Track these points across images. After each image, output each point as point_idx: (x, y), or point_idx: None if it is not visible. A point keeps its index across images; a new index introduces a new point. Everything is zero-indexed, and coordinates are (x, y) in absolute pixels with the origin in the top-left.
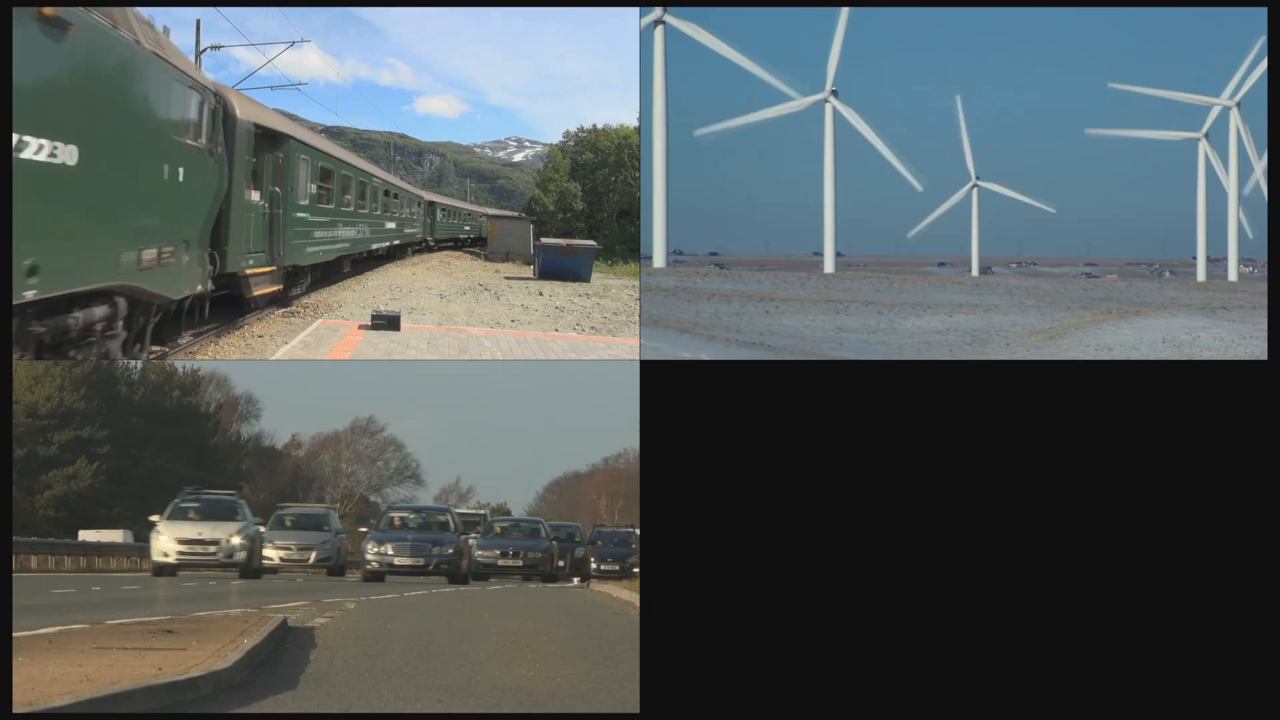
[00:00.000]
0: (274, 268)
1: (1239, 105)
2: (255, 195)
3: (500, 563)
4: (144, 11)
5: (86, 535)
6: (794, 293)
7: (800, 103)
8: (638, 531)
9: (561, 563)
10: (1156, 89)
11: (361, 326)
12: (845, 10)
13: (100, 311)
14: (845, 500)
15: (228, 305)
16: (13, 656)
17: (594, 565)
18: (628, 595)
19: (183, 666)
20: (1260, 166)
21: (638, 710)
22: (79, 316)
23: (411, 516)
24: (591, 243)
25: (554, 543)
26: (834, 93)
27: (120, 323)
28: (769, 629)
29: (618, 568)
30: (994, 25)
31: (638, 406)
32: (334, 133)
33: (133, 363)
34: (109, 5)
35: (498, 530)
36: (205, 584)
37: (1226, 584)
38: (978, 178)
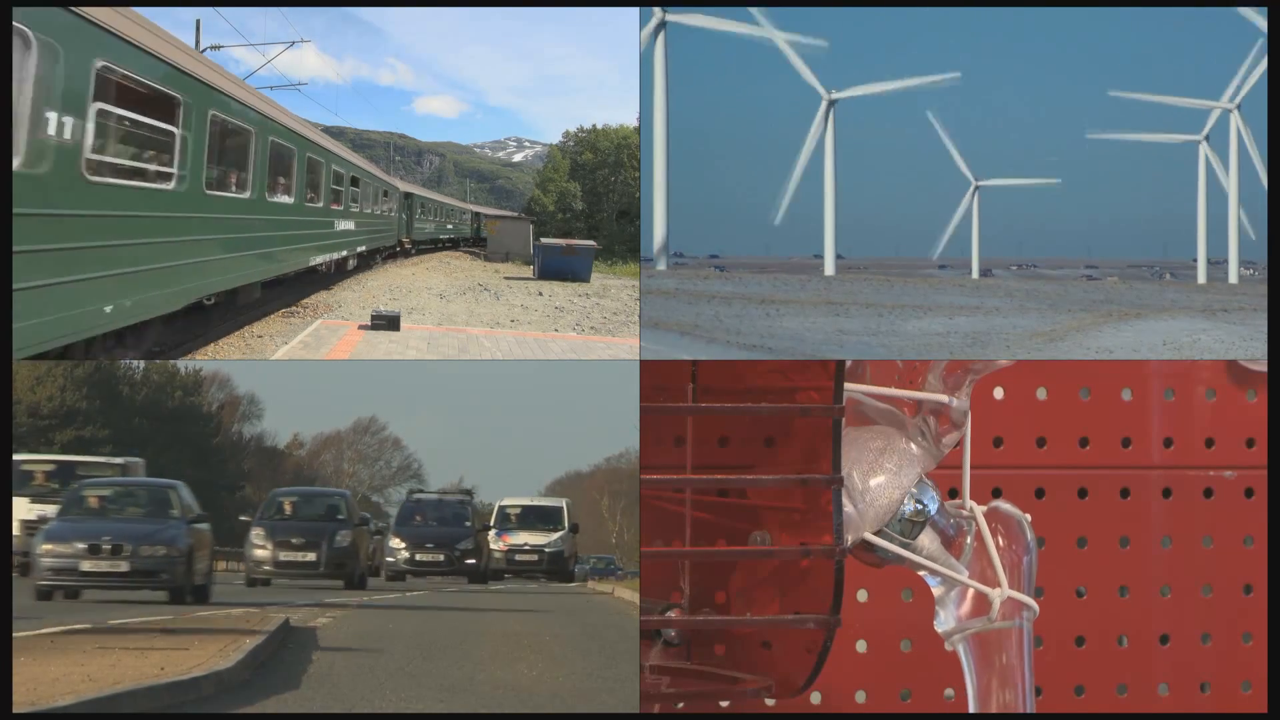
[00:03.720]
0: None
1: (1239, 108)
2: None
3: (84, 566)
4: (144, 12)
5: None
6: (794, 295)
7: (815, 127)
8: (479, 502)
9: (311, 556)
10: (1155, 95)
11: (361, 326)
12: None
13: None
14: None
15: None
16: (14, 656)
17: (403, 555)
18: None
19: (185, 666)
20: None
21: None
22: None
23: None
24: (591, 243)
25: (198, 526)
26: (833, 102)
27: None
28: None
29: (442, 558)
30: (992, 26)
31: (638, 407)
32: (334, 133)
33: (135, 363)
34: (108, 5)
35: (90, 503)
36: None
37: None
38: (976, 179)
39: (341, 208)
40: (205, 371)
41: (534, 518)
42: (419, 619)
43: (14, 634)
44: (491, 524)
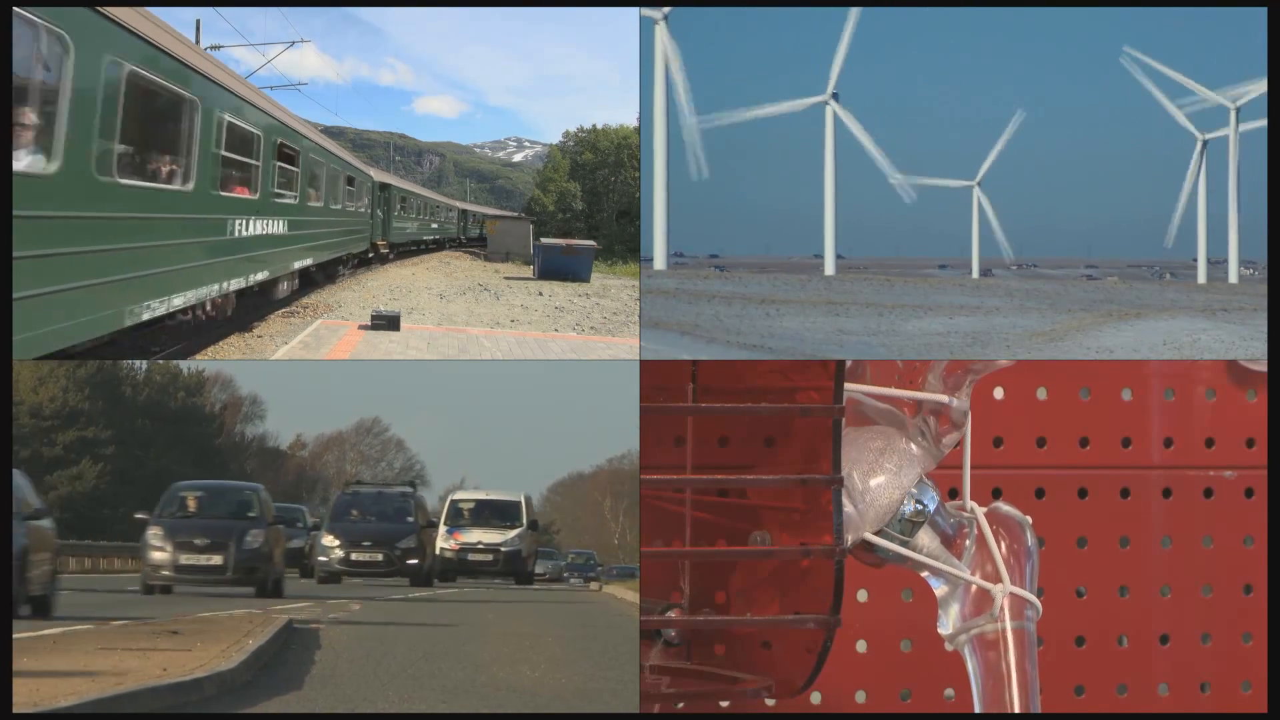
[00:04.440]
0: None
1: (1238, 109)
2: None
3: None
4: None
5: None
6: (794, 295)
7: (802, 103)
8: (427, 498)
9: (217, 559)
10: (1167, 68)
11: (361, 326)
12: (855, 10)
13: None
14: None
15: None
16: (16, 657)
17: (337, 554)
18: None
19: (187, 667)
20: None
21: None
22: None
23: None
24: (591, 243)
25: (36, 523)
26: (834, 95)
27: None
28: None
29: (380, 557)
30: (992, 26)
31: (638, 407)
32: (334, 133)
33: (137, 364)
34: (112, 5)
35: None
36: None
37: None
38: (980, 183)
39: (255, 196)
40: (208, 372)
41: (489, 513)
42: (422, 620)
43: (15, 634)
44: (442, 520)
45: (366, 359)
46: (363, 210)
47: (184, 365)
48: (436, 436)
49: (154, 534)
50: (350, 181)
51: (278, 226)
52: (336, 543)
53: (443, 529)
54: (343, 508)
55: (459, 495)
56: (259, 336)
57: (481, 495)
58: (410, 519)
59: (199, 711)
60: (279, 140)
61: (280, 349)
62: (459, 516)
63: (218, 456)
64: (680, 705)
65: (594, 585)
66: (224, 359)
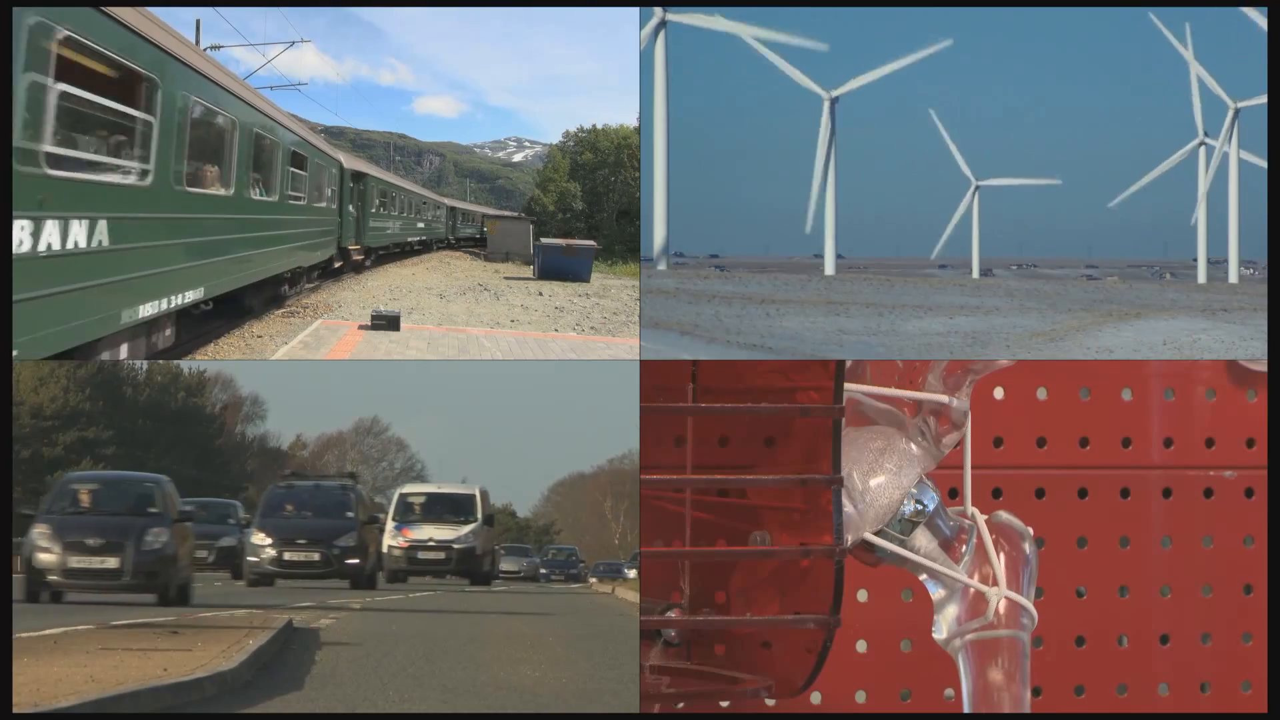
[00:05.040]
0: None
1: (1238, 112)
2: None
3: None
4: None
5: None
6: (794, 295)
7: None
8: (369, 493)
9: (112, 562)
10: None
11: (361, 326)
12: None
13: None
14: None
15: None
16: (17, 657)
17: (269, 554)
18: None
19: (188, 667)
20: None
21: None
22: None
23: None
24: (591, 243)
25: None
26: (835, 99)
27: None
28: None
29: (317, 557)
30: (992, 26)
31: (638, 407)
32: (334, 133)
33: (138, 364)
34: (113, 5)
35: None
36: (210, 585)
37: None
38: (976, 179)
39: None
40: (209, 372)
41: (441, 508)
42: (422, 620)
43: (16, 634)
44: (390, 515)
45: (366, 359)
46: (323, 205)
47: (184, 365)
48: (437, 436)
49: (40, 532)
50: (300, 163)
51: (69, 235)
52: (268, 541)
53: (390, 525)
54: (275, 502)
55: (408, 489)
56: (259, 336)
57: (433, 488)
58: (350, 514)
59: (199, 711)
60: (75, 38)
61: (280, 349)
62: (408, 511)
63: (219, 457)
64: (680, 705)
65: (594, 582)
66: (224, 359)
